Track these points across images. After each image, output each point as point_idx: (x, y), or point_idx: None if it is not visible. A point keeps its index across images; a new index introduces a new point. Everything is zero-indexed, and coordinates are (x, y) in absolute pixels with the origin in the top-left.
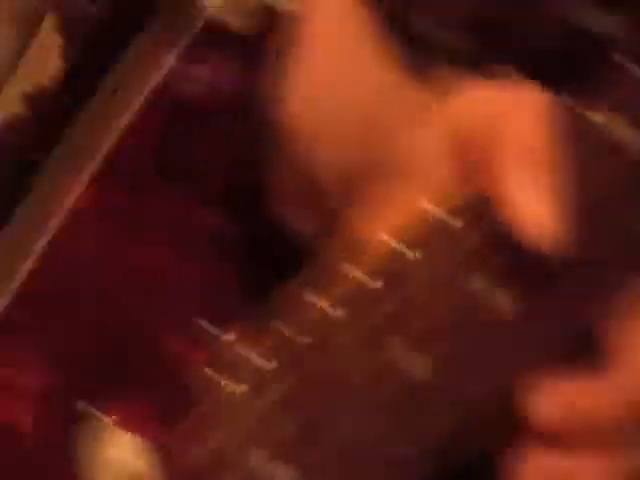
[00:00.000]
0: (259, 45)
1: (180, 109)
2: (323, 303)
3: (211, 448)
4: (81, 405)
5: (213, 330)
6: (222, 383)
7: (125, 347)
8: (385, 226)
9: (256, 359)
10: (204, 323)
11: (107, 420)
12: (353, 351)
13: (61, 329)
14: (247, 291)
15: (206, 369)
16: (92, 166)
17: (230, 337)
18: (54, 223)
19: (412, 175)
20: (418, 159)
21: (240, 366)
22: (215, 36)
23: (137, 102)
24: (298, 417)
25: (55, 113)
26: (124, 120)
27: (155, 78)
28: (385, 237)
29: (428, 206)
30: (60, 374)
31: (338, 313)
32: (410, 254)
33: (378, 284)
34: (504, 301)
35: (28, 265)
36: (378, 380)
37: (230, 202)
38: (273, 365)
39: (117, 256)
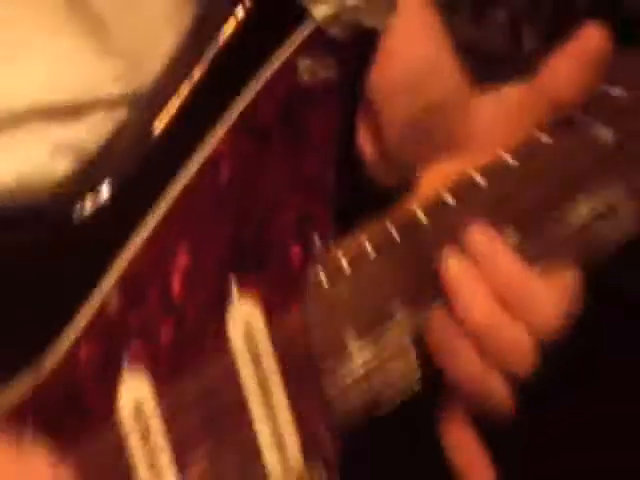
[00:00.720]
0: (352, 47)
1: (296, 90)
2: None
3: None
4: None
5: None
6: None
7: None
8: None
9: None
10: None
11: None
12: None
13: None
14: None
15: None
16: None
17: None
18: (200, 159)
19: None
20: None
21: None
22: (320, 39)
23: (262, 81)
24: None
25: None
26: (254, 91)
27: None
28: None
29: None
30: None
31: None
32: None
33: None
34: None
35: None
36: None
37: (333, 154)
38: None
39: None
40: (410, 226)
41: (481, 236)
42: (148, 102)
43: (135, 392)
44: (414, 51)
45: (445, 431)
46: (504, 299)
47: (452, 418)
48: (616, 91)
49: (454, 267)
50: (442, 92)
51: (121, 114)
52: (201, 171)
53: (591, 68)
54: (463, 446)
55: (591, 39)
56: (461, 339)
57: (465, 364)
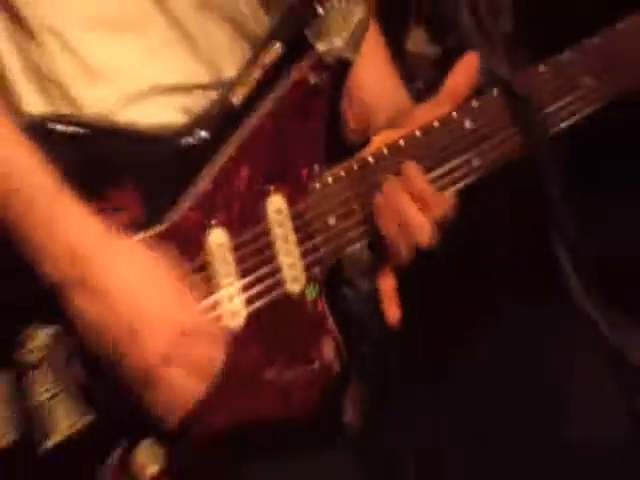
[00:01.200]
0: (337, 68)
1: (307, 88)
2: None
3: None
4: None
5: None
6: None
7: None
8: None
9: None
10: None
11: None
12: None
13: None
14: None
15: None
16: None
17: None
18: (254, 121)
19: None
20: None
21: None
22: (320, 62)
23: (289, 83)
24: None
25: None
26: (285, 88)
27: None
28: None
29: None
30: None
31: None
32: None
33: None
34: None
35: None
36: None
37: (328, 124)
38: None
39: (277, 140)
40: (364, 162)
41: (412, 167)
42: (227, 87)
43: (275, 206)
44: (369, 87)
45: (380, 281)
46: (419, 200)
47: (384, 272)
48: (474, 102)
49: (393, 181)
50: (389, 107)
51: (212, 95)
52: (255, 128)
53: (470, 85)
54: (387, 289)
55: (472, 64)
56: (393, 215)
57: (391, 229)
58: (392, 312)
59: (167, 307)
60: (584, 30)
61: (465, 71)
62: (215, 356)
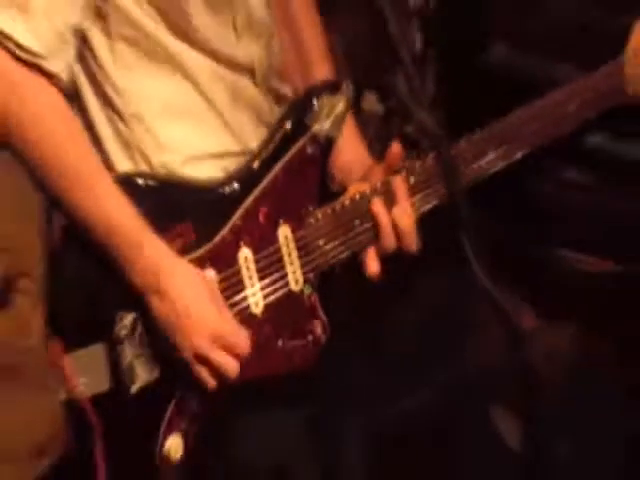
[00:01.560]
0: (325, 142)
1: (305, 154)
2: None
3: None
4: None
5: None
6: None
7: None
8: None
9: None
10: None
11: None
12: None
13: None
14: None
15: None
16: None
17: None
18: (264, 185)
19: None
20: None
21: None
22: (314, 138)
23: (297, 147)
24: None
25: None
26: (295, 149)
27: None
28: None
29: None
30: None
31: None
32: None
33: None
34: None
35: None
36: None
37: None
38: None
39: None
40: (344, 204)
41: (398, 183)
42: (251, 155)
43: (283, 233)
44: (345, 155)
45: (363, 261)
46: (400, 211)
47: (369, 253)
48: (418, 164)
49: (378, 202)
50: (359, 167)
51: (240, 159)
52: (270, 181)
53: (397, 161)
54: (371, 264)
55: (397, 152)
56: (385, 217)
57: (384, 228)
58: (373, 268)
59: (206, 315)
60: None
61: (395, 152)
62: (234, 353)
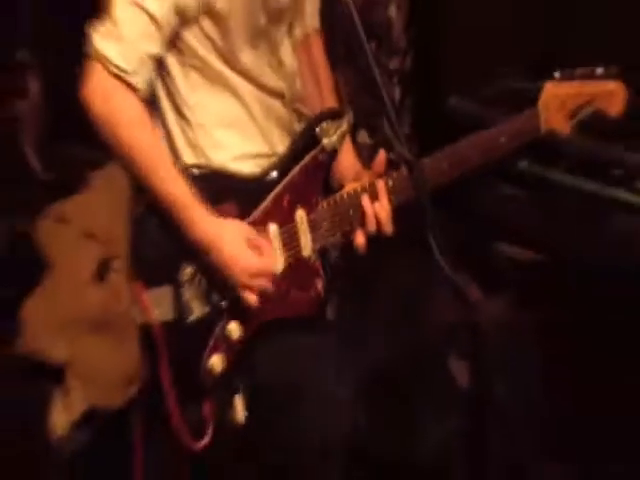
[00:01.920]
0: (331, 153)
1: (316, 163)
2: None
3: None
4: None
5: None
6: None
7: None
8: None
9: None
10: None
11: None
12: None
13: None
14: None
15: None
16: None
17: None
18: (288, 180)
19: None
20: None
21: None
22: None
23: (309, 158)
24: None
25: None
26: (305, 161)
27: None
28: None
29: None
30: None
31: None
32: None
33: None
34: None
35: None
36: None
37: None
38: None
39: (301, 186)
40: (342, 196)
41: (381, 185)
42: (280, 156)
43: (299, 215)
44: (344, 162)
45: (354, 238)
46: (380, 205)
47: (358, 233)
48: (394, 174)
49: (366, 198)
50: (353, 171)
51: (272, 159)
52: (292, 178)
53: (381, 168)
54: (359, 239)
55: (381, 160)
56: (370, 208)
57: (369, 216)
58: (361, 241)
59: (242, 257)
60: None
61: (380, 161)
62: (266, 281)
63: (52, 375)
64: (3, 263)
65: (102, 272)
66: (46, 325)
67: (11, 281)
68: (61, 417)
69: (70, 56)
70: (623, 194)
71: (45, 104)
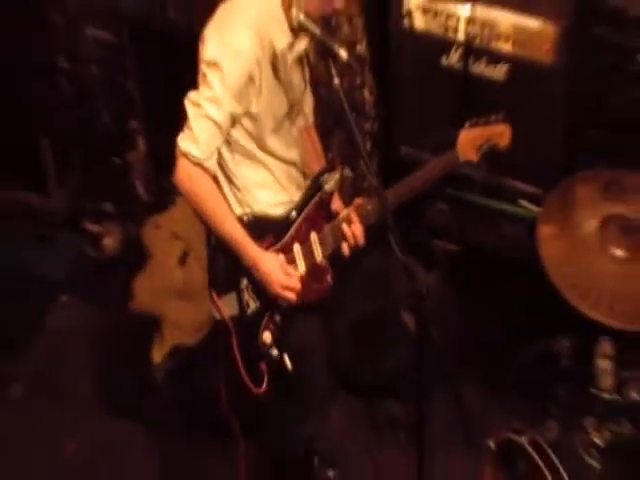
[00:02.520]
0: (329, 195)
1: (322, 204)
2: None
3: None
4: None
5: None
6: None
7: None
8: None
9: None
10: None
11: None
12: None
13: None
14: None
15: None
16: None
17: None
18: (305, 214)
19: None
20: None
21: None
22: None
23: (318, 197)
24: None
25: None
26: (318, 198)
27: None
28: None
29: None
30: None
31: None
32: None
33: None
34: None
35: None
36: None
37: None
38: None
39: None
40: (338, 219)
41: (353, 216)
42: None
43: (314, 237)
44: (337, 200)
45: (342, 248)
46: (354, 228)
47: (343, 245)
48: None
49: (345, 225)
50: (340, 207)
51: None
52: (308, 211)
53: (359, 206)
54: (345, 249)
55: (358, 203)
56: (349, 231)
57: (349, 237)
58: (345, 251)
59: (275, 274)
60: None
61: (357, 203)
62: (291, 293)
63: (153, 324)
64: (121, 255)
65: (183, 260)
66: (148, 293)
67: (126, 266)
68: (157, 352)
69: (165, 124)
70: (511, 208)
71: (148, 154)
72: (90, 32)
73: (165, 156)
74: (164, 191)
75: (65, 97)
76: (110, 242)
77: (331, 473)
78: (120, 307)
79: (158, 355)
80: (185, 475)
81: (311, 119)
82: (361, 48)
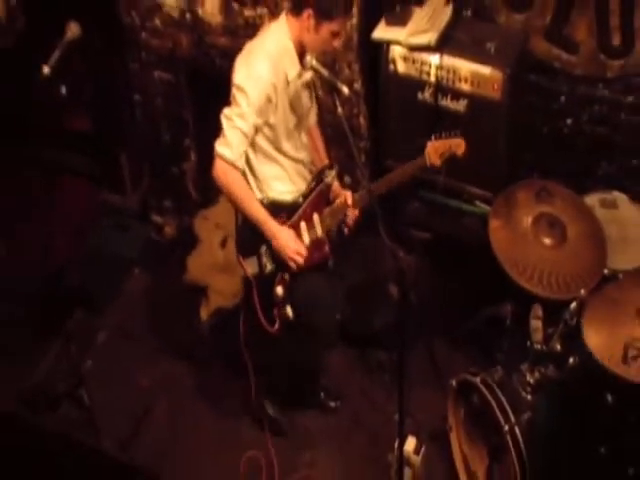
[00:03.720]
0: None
1: (324, 193)
2: None
3: None
4: None
5: None
6: None
7: None
8: None
9: None
10: None
11: None
12: None
13: None
14: None
15: None
16: None
17: None
18: (309, 200)
19: None
20: None
21: None
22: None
23: (321, 185)
24: None
25: None
26: (322, 187)
27: None
28: None
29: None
30: None
31: None
32: None
33: None
34: None
35: None
36: None
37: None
38: None
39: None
40: (335, 206)
41: (349, 198)
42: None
43: (315, 218)
44: (334, 191)
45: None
46: (352, 210)
47: (345, 224)
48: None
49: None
50: (338, 194)
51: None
52: (312, 198)
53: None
54: (346, 228)
55: (348, 194)
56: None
57: (348, 216)
58: (347, 232)
59: (289, 243)
60: None
61: (347, 194)
62: (299, 258)
63: (201, 291)
64: (177, 240)
65: (224, 243)
66: (197, 268)
67: (182, 248)
68: (204, 312)
69: (210, 141)
70: (469, 206)
71: (197, 164)
72: (157, 74)
73: (210, 166)
74: (210, 192)
75: (138, 123)
76: (170, 230)
77: (333, 404)
78: (177, 278)
79: (205, 314)
80: (223, 401)
81: (314, 120)
82: (357, 85)
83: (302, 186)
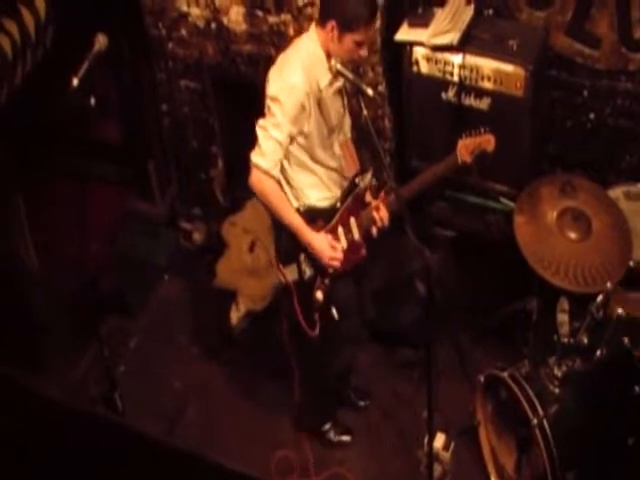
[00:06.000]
0: None
1: (358, 198)
2: None
3: None
4: None
5: None
6: None
7: None
8: None
9: None
10: None
11: None
12: None
13: None
14: None
15: None
16: None
17: None
18: (346, 205)
19: None
20: None
21: None
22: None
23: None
24: None
25: None
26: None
27: None
28: None
29: None
30: None
31: None
32: None
33: None
34: None
35: None
36: None
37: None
38: None
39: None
40: (368, 211)
41: (382, 208)
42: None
43: (352, 221)
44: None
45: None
46: (382, 213)
47: (373, 227)
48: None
49: (375, 212)
50: (371, 199)
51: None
52: (348, 204)
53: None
54: (382, 214)
55: (382, 196)
56: (377, 215)
57: (377, 220)
58: (384, 217)
59: (325, 249)
60: None
61: (381, 196)
62: (337, 262)
63: (231, 295)
64: (206, 245)
65: (252, 248)
66: (226, 273)
67: (210, 253)
68: (234, 315)
69: (237, 148)
70: (494, 203)
71: (225, 171)
72: (183, 83)
73: (237, 172)
74: (237, 198)
75: (166, 131)
76: (198, 236)
77: (362, 403)
78: (206, 283)
79: (235, 317)
80: (254, 402)
81: (349, 135)
82: (382, 88)
83: (338, 192)
